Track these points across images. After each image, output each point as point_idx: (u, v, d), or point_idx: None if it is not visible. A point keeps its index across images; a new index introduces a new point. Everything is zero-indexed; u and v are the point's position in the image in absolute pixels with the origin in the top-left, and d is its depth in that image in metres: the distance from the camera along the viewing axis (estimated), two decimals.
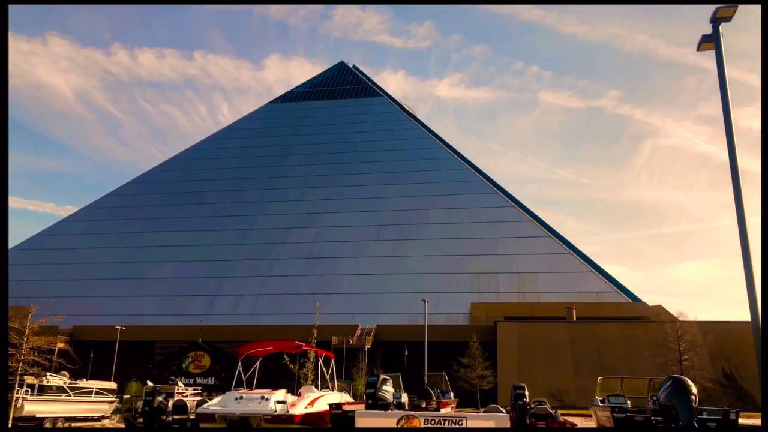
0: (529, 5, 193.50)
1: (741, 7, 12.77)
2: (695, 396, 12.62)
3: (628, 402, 16.37)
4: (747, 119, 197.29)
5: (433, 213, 77.32)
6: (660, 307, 58.12)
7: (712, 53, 12.66)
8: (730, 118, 12.00)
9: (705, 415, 13.90)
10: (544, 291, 64.88)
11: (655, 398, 14.44)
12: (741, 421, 14.29)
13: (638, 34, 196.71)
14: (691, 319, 45.99)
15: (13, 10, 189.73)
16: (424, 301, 45.43)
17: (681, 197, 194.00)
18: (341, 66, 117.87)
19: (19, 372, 23.26)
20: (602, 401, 16.46)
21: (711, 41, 12.37)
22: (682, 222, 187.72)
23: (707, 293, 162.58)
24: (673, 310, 54.91)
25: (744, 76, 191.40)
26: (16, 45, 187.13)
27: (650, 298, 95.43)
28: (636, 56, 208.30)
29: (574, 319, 55.85)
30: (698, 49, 12.67)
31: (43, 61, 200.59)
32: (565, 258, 69.43)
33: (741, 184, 11.36)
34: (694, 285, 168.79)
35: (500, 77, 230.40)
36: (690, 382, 12.97)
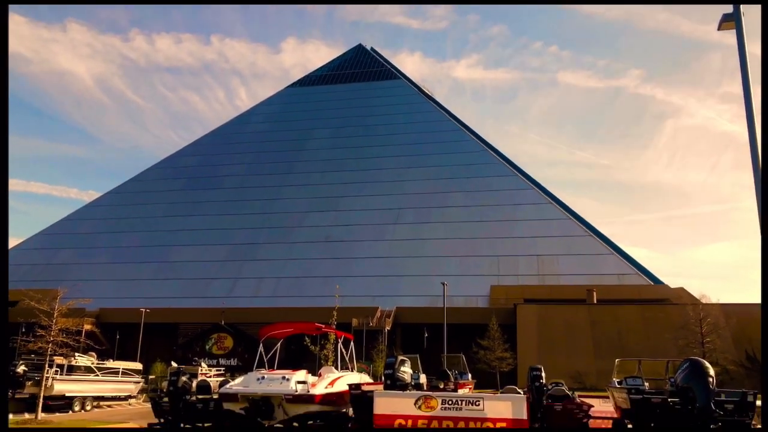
0: None
1: None
2: (712, 378, 12.63)
3: (646, 384, 16.38)
4: None
5: (452, 196, 77.19)
6: (682, 289, 57.62)
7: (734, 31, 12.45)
8: (751, 100, 11.81)
9: (723, 397, 13.88)
10: (564, 273, 64.64)
11: (672, 380, 14.45)
12: (758, 403, 14.21)
13: (659, 11, 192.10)
14: (714, 301, 45.50)
15: None
16: (444, 284, 45.53)
17: (704, 178, 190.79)
18: (359, 49, 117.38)
19: (48, 353, 24.01)
20: (619, 383, 16.52)
21: (732, 20, 12.15)
22: (705, 203, 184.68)
23: (731, 275, 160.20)
24: (695, 292, 54.44)
25: None
26: (36, 32, 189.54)
27: (672, 281, 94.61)
28: (657, 34, 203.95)
29: (595, 302, 55.64)
30: (719, 29, 12.45)
31: (63, 48, 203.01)
32: (586, 240, 69.00)
33: (761, 164, 11.20)
34: (717, 267, 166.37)
35: (518, 58, 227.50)
36: (707, 365, 12.98)
